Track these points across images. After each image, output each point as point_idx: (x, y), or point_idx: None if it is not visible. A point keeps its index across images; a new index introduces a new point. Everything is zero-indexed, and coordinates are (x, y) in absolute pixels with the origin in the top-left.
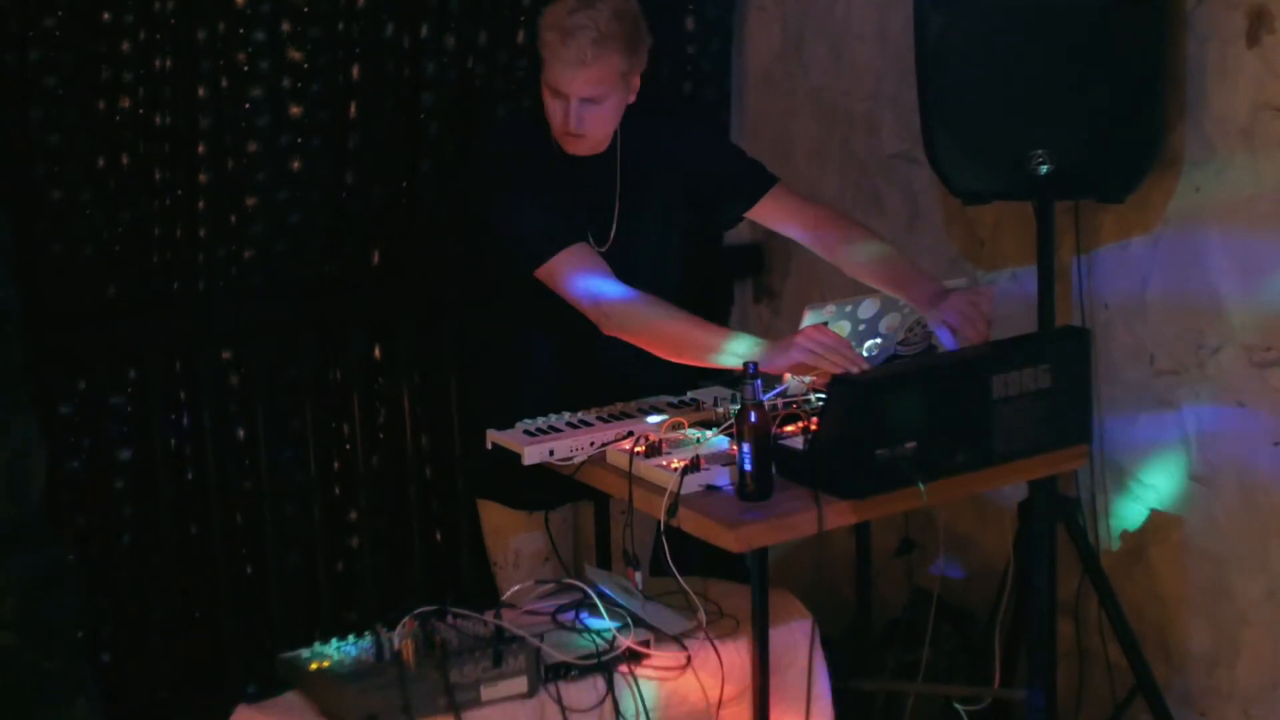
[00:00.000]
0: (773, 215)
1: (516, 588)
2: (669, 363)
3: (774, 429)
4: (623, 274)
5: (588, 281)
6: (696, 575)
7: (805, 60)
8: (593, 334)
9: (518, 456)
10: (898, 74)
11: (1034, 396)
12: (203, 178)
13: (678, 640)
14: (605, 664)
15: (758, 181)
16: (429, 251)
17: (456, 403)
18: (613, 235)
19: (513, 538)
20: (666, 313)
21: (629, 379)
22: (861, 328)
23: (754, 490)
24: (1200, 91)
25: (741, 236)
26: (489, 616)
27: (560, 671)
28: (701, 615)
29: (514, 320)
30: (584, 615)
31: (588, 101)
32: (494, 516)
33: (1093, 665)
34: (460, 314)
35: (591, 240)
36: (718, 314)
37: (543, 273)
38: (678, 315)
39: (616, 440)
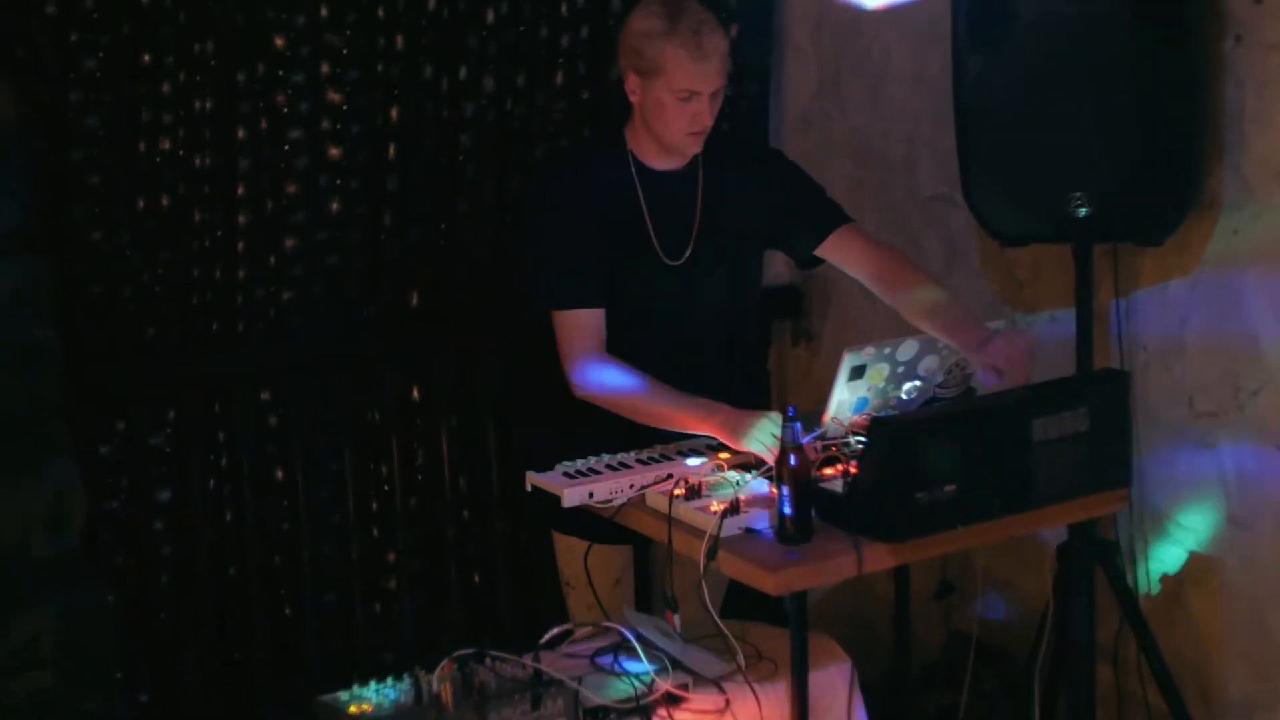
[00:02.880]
0: (841, 254)
1: (554, 631)
2: (728, 399)
3: (813, 472)
4: (696, 292)
5: (579, 349)
6: (735, 618)
7: (843, 102)
8: (653, 372)
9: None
10: (935, 116)
11: (1073, 439)
12: (242, 219)
13: (716, 684)
14: (644, 707)
15: (829, 219)
16: (467, 293)
17: (495, 444)
18: (689, 252)
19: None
20: (638, 386)
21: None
22: (900, 370)
23: (793, 533)
24: (1238, 134)
25: (780, 278)
26: (527, 659)
27: (599, 715)
28: (740, 659)
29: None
30: (622, 658)
31: (714, 94)
32: (567, 537)
33: (1132, 709)
34: (508, 352)
35: (664, 255)
36: (756, 355)
37: (552, 315)
38: (648, 391)
39: (656, 483)
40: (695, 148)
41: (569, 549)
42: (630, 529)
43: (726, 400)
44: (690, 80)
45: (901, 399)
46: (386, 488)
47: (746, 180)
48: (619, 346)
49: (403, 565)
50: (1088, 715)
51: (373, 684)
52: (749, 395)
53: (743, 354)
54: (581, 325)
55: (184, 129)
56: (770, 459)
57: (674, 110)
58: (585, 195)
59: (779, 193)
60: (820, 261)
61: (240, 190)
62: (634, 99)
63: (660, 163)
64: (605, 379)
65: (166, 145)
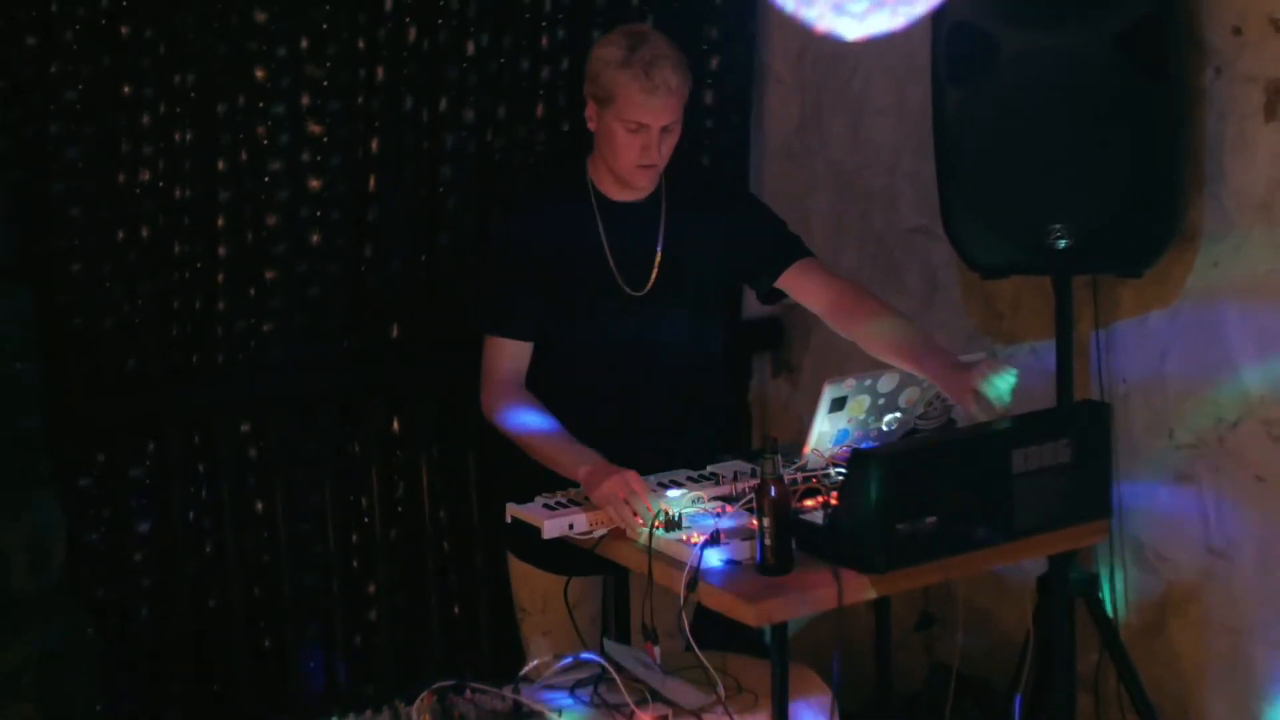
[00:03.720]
0: (798, 287)
1: (533, 663)
2: (686, 435)
3: (794, 503)
4: (658, 324)
5: (498, 377)
6: (715, 649)
7: (823, 134)
8: (613, 406)
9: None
10: (916, 148)
11: (1054, 471)
12: (222, 250)
13: (696, 715)
14: None
15: (788, 252)
16: (448, 325)
17: (475, 476)
18: (651, 284)
19: (541, 583)
20: (531, 424)
21: (646, 452)
22: (881, 401)
23: (774, 564)
24: (1218, 166)
25: (760, 310)
26: (507, 691)
27: None
28: (721, 690)
29: (537, 390)
30: (602, 690)
31: (665, 130)
32: (522, 564)
33: None
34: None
35: (626, 286)
36: (736, 387)
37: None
38: (539, 429)
39: (636, 514)
40: (644, 181)
41: (524, 576)
42: (591, 562)
43: (687, 432)
44: (638, 112)
45: (882, 430)
46: (367, 519)
47: (711, 215)
48: (579, 377)
49: (383, 597)
50: None
51: (353, 716)
52: (709, 428)
53: (704, 387)
54: (508, 354)
55: (164, 161)
56: (615, 518)
57: (623, 141)
58: (541, 229)
59: (742, 228)
60: (782, 295)
61: (220, 222)
62: (591, 126)
63: (621, 194)
64: (509, 412)
65: (147, 177)
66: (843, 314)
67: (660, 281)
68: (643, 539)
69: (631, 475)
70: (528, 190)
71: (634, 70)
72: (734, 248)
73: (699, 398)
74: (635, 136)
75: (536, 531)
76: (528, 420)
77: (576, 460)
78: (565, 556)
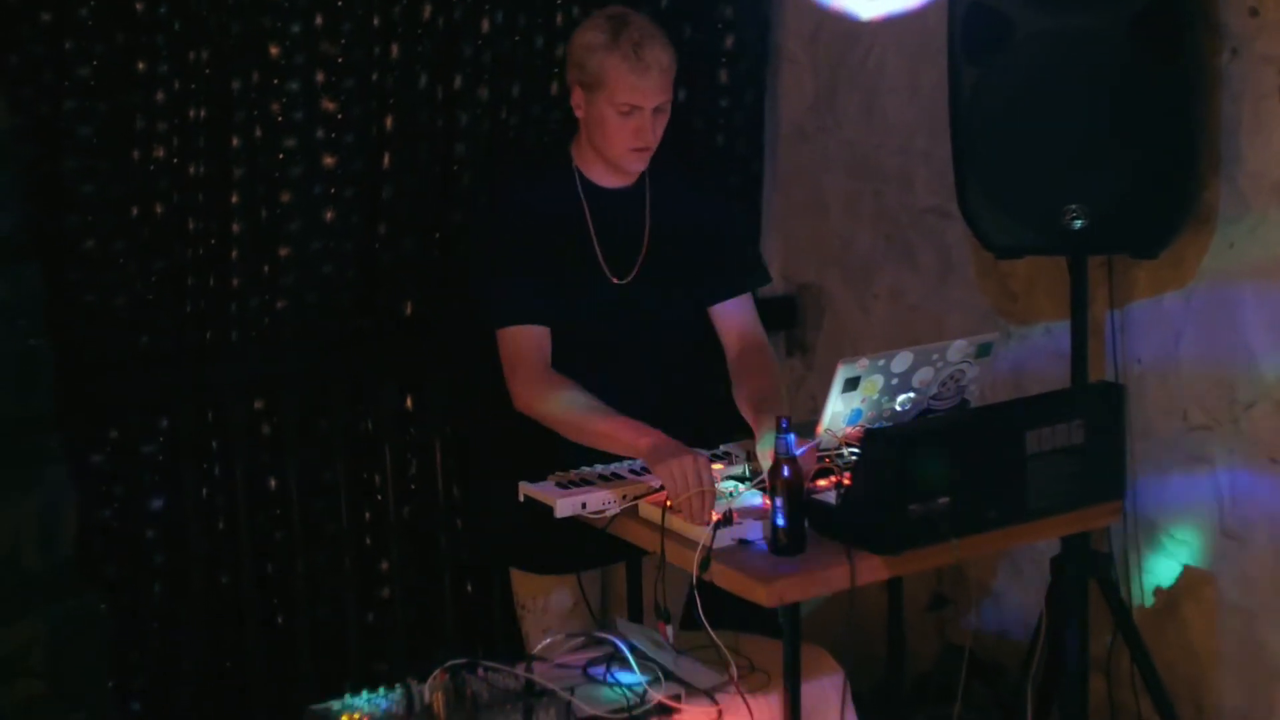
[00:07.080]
0: (722, 316)
1: (547, 640)
2: (675, 423)
3: (807, 483)
4: (643, 311)
5: (526, 366)
6: (728, 629)
7: (838, 113)
8: (598, 393)
9: (543, 518)
10: (930, 128)
11: (1067, 452)
12: (236, 228)
13: (709, 695)
14: (636, 718)
15: (741, 281)
16: (461, 302)
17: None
18: (636, 271)
19: (542, 581)
20: (579, 402)
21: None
22: (895, 381)
23: (787, 544)
24: (1234, 147)
25: (774, 289)
26: (520, 669)
27: None
28: (733, 669)
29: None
30: (615, 669)
31: (658, 111)
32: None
33: None
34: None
35: (611, 273)
36: (701, 376)
37: (498, 333)
38: (589, 406)
39: (649, 493)
40: (638, 164)
41: (525, 575)
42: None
43: (675, 419)
44: (630, 94)
45: (895, 410)
46: (379, 497)
47: (696, 208)
48: (563, 365)
49: (396, 575)
50: None
51: (365, 693)
52: (693, 417)
53: (690, 375)
54: (531, 341)
55: (178, 137)
56: (675, 496)
57: (616, 125)
58: (531, 212)
59: (720, 233)
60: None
61: (234, 198)
62: (579, 113)
63: (607, 180)
64: (549, 396)
65: (160, 153)
66: (735, 365)
67: (645, 269)
68: (697, 532)
69: (703, 460)
70: (515, 175)
71: (623, 52)
72: (709, 251)
73: (686, 385)
74: (628, 120)
75: (529, 538)
76: (574, 399)
77: (637, 433)
78: (566, 555)
